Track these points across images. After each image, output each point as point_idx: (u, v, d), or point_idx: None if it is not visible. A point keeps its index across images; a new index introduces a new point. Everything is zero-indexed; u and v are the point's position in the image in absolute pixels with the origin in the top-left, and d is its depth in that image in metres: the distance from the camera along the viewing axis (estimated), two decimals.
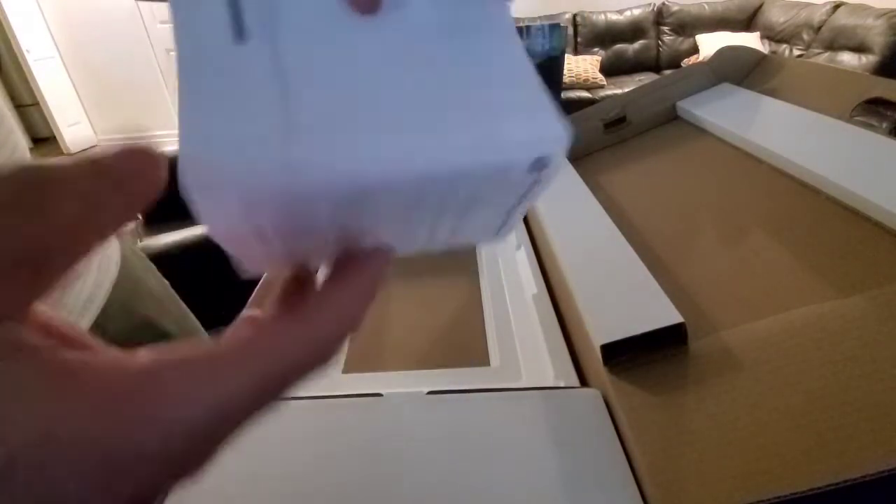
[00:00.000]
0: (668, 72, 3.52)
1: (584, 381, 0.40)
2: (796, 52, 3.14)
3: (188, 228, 1.26)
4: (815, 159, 0.41)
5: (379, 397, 0.36)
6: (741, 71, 0.61)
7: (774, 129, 0.49)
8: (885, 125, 0.43)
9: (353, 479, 0.30)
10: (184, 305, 0.55)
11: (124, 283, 0.45)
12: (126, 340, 0.46)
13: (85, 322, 0.41)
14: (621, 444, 0.30)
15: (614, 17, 3.58)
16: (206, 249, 1.24)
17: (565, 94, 3.20)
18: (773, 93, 0.54)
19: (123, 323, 0.44)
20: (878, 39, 2.72)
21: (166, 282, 0.54)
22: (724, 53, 0.63)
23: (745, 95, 0.57)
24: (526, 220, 0.62)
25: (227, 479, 0.30)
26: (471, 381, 0.38)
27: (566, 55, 2.20)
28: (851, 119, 0.45)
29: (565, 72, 3.16)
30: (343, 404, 0.35)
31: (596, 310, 0.37)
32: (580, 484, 0.28)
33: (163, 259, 0.64)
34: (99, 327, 0.41)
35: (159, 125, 4.12)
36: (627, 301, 0.36)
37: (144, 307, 0.48)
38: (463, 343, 0.45)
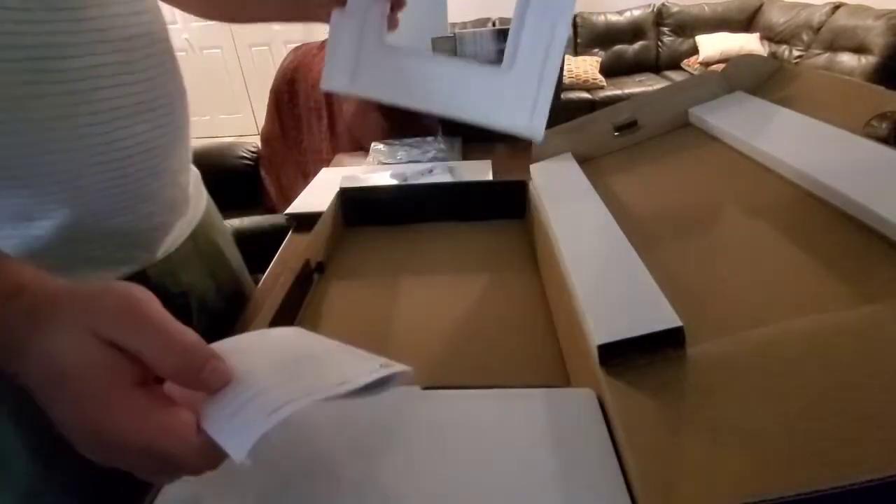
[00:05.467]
0: (667, 72, 3.53)
1: (567, 381, 0.41)
2: (796, 53, 3.15)
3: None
4: (825, 170, 0.42)
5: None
6: (755, 80, 0.61)
7: (786, 138, 0.50)
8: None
9: (345, 474, 0.30)
10: (238, 253, 0.65)
11: (208, 216, 0.57)
12: (206, 258, 0.53)
13: (189, 230, 0.52)
14: (614, 446, 0.31)
15: (614, 17, 3.58)
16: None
17: (565, 95, 3.20)
18: (786, 102, 0.54)
19: (206, 242, 0.55)
20: (877, 40, 2.73)
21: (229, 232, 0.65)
22: (739, 62, 0.63)
23: (758, 104, 0.57)
24: (529, 217, 0.62)
25: (221, 474, 0.30)
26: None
27: (566, 56, 2.20)
28: (864, 132, 0.45)
29: (565, 73, 3.16)
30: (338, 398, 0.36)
31: (595, 310, 0.37)
32: (570, 483, 0.29)
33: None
34: (193, 236, 0.52)
35: None
36: (627, 303, 0.37)
37: (219, 238, 0.59)
38: (460, 341, 0.45)
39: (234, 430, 0.22)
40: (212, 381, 0.24)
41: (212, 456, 0.23)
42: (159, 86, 0.43)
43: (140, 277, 0.46)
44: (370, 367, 0.27)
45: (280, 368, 0.26)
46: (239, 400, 0.23)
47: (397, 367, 0.27)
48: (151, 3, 0.44)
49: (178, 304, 0.50)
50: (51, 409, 0.23)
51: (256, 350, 0.28)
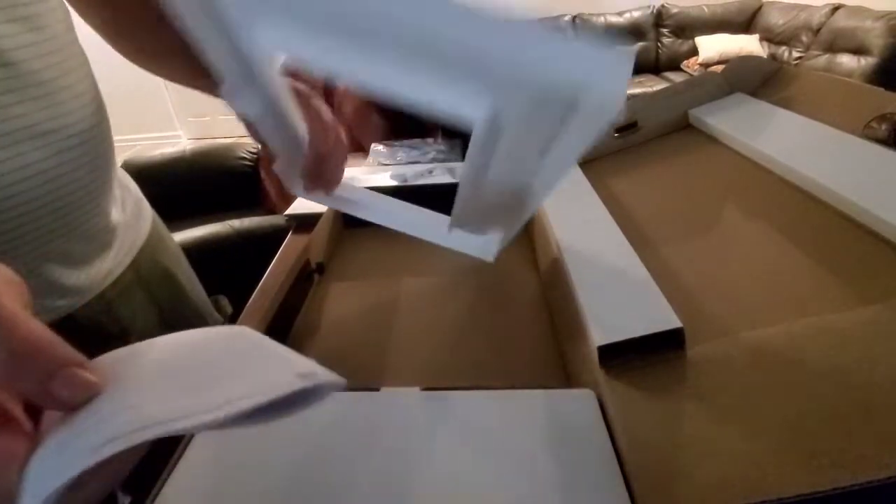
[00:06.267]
0: (667, 73, 3.53)
1: (567, 382, 0.41)
2: (795, 54, 3.16)
3: (197, 228, 1.28)
4: (824, 172, 0.42)
5: (374, 392, 0.36)
6: (755, 81, 0.61)
7: (785, 140, 0.50)
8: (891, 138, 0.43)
9: (345, 474, 0.30)
10: (191, 269, 0.61)
11: (153, 237, 0.52)
12: (153, 285, 0.49)
13: (128, 259, 0.47)
14: (614, 446, 0.31)
15: (614, 19, 3.59)
16: (210, 249, 1.25)
17: None
18: (786, 104, 0.55)
19: (151, 268, 0.51)
20: (876, 41, 2.73)
21: (179, 248, 0.60)
22: (739, 63, 0.63)
23: (757, 106, 0.57)
24: (529, 219, 0.62)
25: (219, 472, 0.31)
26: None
27: None
28: (863, 133, 0.45)
29: None
30: (338, 398, 0.36)
31: (595, 311, 0.37)
32: (570, 484, 0.29)
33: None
34: (134, 266, 0.48)
35: (159, 127, 4.12)
36: (627, 304, 0.37)
37: (166, 259, 0.54)
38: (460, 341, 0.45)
39: (43, 472, 0.16)
40: (65, 395, 0.17)
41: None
42: (55, 103, 0.37)
43: (66, 322, 0.41)
44: (286, 379, 0.20)
45: (170, 379, 0.20)
46: (86, 423, 0.17)
47: (322, 377, 0.21)
48: (45, 9, 0.37)
49: (116, 344, 0.46)
50: None
51: (154, 357, 0.21)
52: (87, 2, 0.42)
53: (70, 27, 0.40)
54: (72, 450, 0.16)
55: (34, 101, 0.35)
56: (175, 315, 0.55)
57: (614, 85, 0.19)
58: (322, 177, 0.37)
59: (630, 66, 0.18)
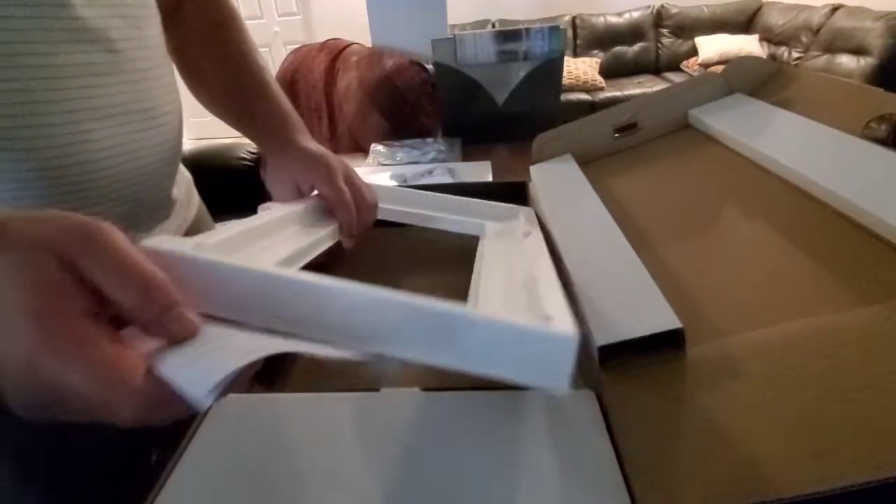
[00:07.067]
0: (667, 74, 3.53)
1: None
2: (795, 55, 3.16)
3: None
4: (823, 172, 0.42)
5: (375, 392, 0.36)
6: (754, 81, 0.61)
7: (785, 140, 0.50)
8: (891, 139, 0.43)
9: (345, 474, 0.30)
10: None
11: (199, 219, 0.57)
12: None
13: (180, 233, 0.51)
14: (614, 446, 0.31)
15: (613, 19, 3.59)
16: None
17: (564, 97, 3.20)
18: (785, 104, 0.55)
19: None
20: (876, 42, 2.74)
21: None
22: (739, 63, 0.63)
23: (757, 106, 0.58)
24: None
25: (219, 472, 0.31)
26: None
27: (565, 57, 2.20)
28: (863, 133, 0.45)
29: (564, 74, 3.16)
30: (338, 399, 0.36)
31: (595, 311, 0.37)
32: (570, 484, 0.29)
33: None
34: None
35: None
36: (627, 304, 0.37)
37: None
38: None
39: (196, 372, 0.20)
40: (174, 328, 0.22)
41: (152, 405, 0.21)
42: (142, 88, 0.43)
43: None
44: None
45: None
46: (202, 350, 0.21)
47: (392, 362, 0.25)
48: (141, 6, 0.43)
49: None
50: None
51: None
52: (169, 24, 0.49)
53: (161, 33, 0.47)
54: (225, 352, 0.21)
55: (127, 85, 0.41)
56: None
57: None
58: (357, 234, 0.47)
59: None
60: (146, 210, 0.47)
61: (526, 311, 0.34)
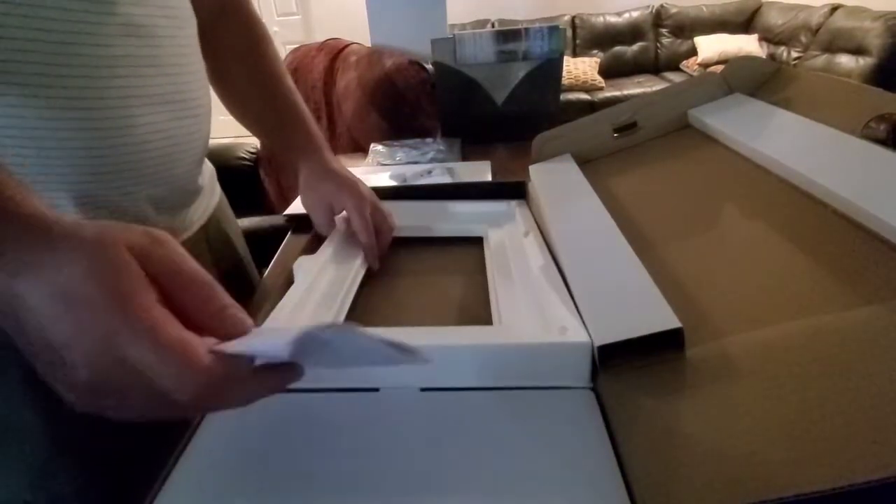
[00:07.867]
0: (666, 74, 3.53)
1: None
2: (794, 54, 3.16)
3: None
4: (823, 172, 0.42)
5: (374, 392, 0.36)
6: (754, 81, 0.61)
7: (784, 140, 0.50)
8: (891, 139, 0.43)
9: (345, 473, 0.30)
10: (246, 248, 0.71)
11: (220, 209, 0.61)
12: (216, 250, 0.60)
13: (203, 219, 0.55)
14: (613, 446, 0.31)
15: (613, 19, 3.59)
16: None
17: (564, 97, 3.21)
18: (785, 104, 0.54)
19: (217, 234, 0.59)
20: (875, 42, 2.74)
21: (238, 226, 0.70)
22: (738, 63, 0.63)
23: (756, 106, 0.57)
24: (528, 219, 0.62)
25: (219, 470, 0.31)
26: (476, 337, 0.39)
27: (565, 57, 2.21)
28: (862, 133, 0.45)
29: (564, 74, 3.16)
30: (338, 398, 0.36)
31: (595, 311, 0.37)
32: (570, 483, 0.29)
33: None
34: (204, 228, 0.55)
35: None
36: (627, 304, 0.37)
37: (230, 231, 0.64)
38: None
39: (272, 336, 0.23)
40: (229, 323, 0.25)
41: (216, 385, 0.23)
42: (181, 81, 0.47)
43: None
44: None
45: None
46: (264, 331, 0.24)
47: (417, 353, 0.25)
48: (183, 8, 0.48)
49: None
50: (56, 322, 0.22)
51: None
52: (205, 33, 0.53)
53: (196, 34, 0.51)
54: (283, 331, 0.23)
55: (167, 77, 0.45)
56: (230, 284, 0.60)
57: None
58: (378, 254, 0.55)
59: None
60: (177, 193, 0.50)
61: (542, 323, 0.40)
